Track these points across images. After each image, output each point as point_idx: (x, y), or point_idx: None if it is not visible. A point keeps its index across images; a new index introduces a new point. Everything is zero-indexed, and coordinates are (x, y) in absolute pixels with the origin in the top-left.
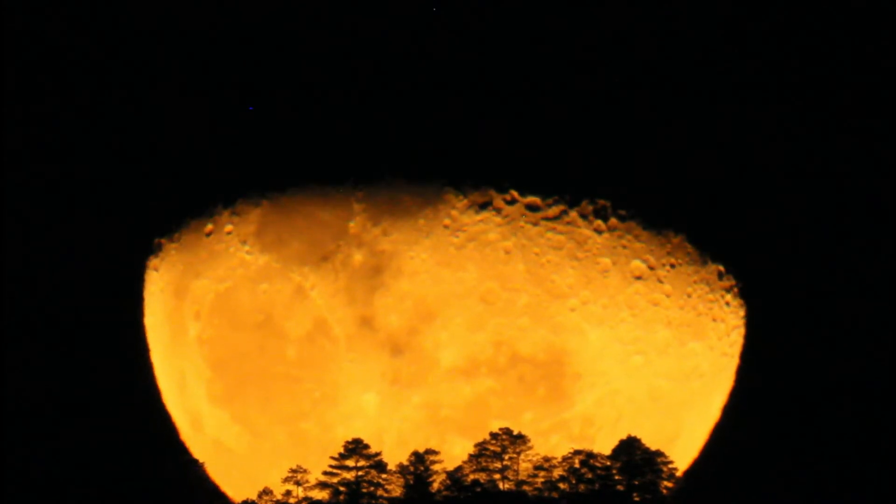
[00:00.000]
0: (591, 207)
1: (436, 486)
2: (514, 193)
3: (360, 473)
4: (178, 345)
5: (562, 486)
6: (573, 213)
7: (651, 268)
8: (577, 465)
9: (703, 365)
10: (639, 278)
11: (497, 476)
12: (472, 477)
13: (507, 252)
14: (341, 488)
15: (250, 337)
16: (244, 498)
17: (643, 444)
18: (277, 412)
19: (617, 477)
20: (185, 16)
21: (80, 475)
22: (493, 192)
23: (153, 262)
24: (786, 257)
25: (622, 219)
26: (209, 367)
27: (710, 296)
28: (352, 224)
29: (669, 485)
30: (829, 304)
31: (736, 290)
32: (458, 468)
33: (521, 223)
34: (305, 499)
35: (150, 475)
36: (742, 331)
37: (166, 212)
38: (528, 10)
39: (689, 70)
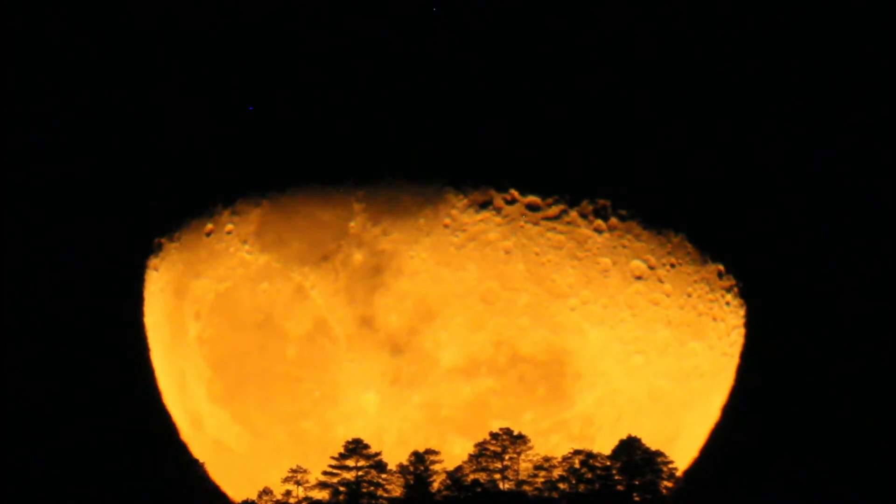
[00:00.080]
0: (591, 207)
1: (436, 486)
2: (514, 193)
3: (360, 473)
4: (179, 344)
5: (562, 486)
6: (573, 213)
7: (651, 267)
8: (577, 465)
9: (703, 365)
10: (639, 278)
11: (497, 476)
12: (472, 477)
13: (507, 252)
14: (341, 488)
15: (250, 336)
16: (244, 498)
17: (643, 444)
18: (277, 412)
19: (617, 477)
20: (185, 16)
21: (80, 475)
22: (493, 192)
23: (153, 261)
24: (786, 257)
25: (622, 218)
26: (209, 366)
27: (710, 295)
28: (352, 224)
29: (669, 485)
30: (829, 304)
31: (736, 289)
32: (458, 468)
33: (522, 223)
34: (305, 499)
35: (150, 475)
36: (742, 331)
37: (166, 212)
38: (528, 10)
39: (689, 70)
